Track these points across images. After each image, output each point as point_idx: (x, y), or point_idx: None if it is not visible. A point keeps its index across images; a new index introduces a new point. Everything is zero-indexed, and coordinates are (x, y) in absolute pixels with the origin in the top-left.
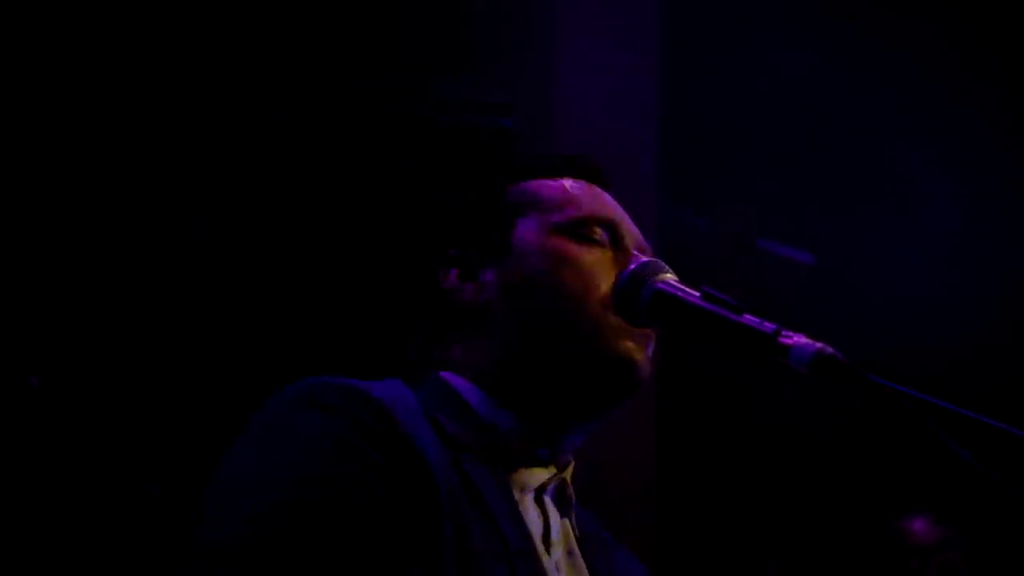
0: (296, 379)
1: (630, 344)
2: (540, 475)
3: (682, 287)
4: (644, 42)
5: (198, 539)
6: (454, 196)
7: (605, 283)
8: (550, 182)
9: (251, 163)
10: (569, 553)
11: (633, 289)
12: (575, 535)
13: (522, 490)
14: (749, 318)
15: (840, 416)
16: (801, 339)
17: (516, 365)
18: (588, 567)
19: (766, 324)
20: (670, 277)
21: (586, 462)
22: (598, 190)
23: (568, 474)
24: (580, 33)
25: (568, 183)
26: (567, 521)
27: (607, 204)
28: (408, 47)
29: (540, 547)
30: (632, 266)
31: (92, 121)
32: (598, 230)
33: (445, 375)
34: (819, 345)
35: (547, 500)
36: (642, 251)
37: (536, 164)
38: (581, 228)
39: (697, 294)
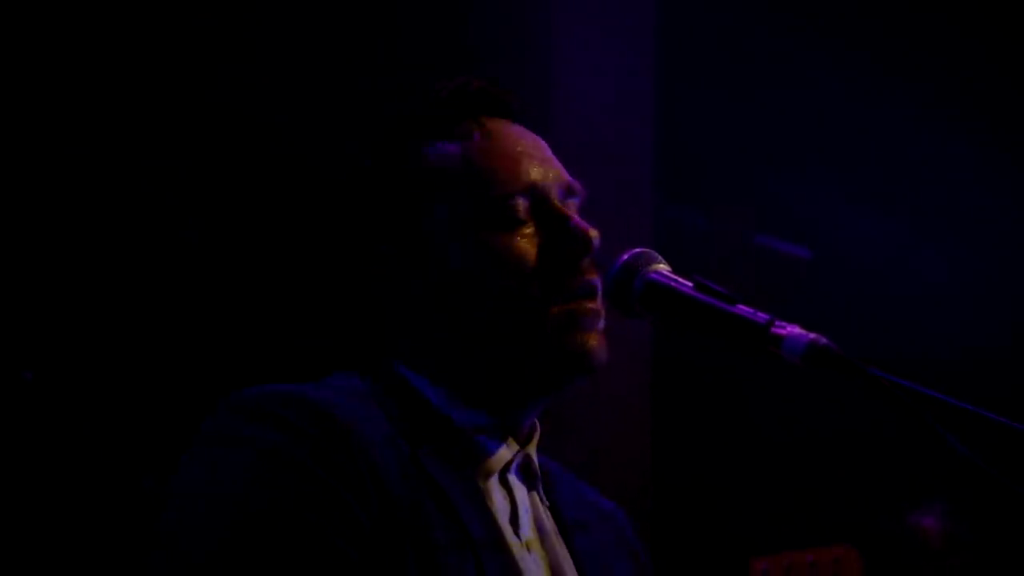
0: (248, 384)
1: (578, 335)
2: (503, 455)
3: (675, 277)
4: (641, 42)
5: (153, 568)
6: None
7: (537, 268)
8: (455, 145)
9: (246, 163)
10: (539, 529)
11: (626, 279)
12: (544, 506)
13: (487, 475)
14: (742, 308)
15: (841, 409)
16: (795, 330)
17: (458, 364)
18: (575, 553)
19: (759, 315)
20: (663, 267)
21: (582, 460)
22: (510, 135)
23: (532, 446)
24: (578, 34)
25: (473, 139)
26: (535, 495)
27: (521, 160)
28: (405, 48)
29: (508, 530)
30: (625, 257)
31: (89, 121)
32: (518, 204)
33: (398, 366)
34: (812, 336)
35: (512, 479)
36: (568, 193)
37: (425, 122)
38: (497, 212)
39: (690, 284)
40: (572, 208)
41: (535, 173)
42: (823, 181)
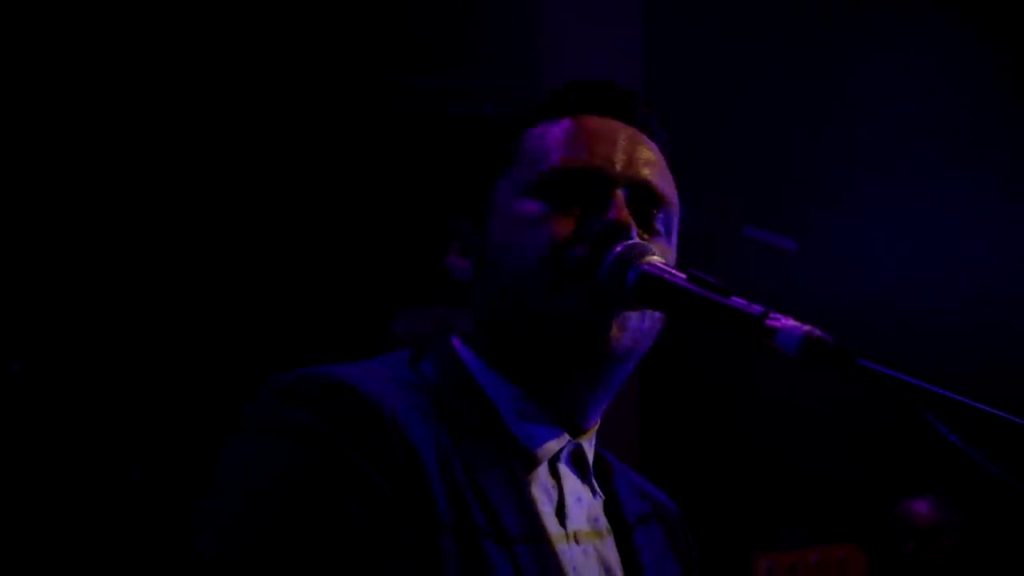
0: (282, 368)
1: (585, 321)
2: (550, 444)
3: (669, 269)
4: (629, 31)
5: (192, 546)
6: (449, 170)
7: (564, 246)
8: (544, 129)
9: (238, 152)
10: (591, 519)
11: (619, 271)
12: (599, 498)
13: (533, 464)
14: (737, 300)
15: (834, 397)
16: (789, 322)
17: (491, 337)
18: (633, 546)
19: (754, 306)
20: (656, 259)
21: None
22: (602, 126)
23: (586, 438)
24: (565, 23)
25: (563, 125)
26: (587, 487)
27: (595, 145)
28: (394, 44)
29: (552, 520)
30: (618, 248)
31: (77, 108)
32: (569, 182)
33: (454, 340)
34: (807, 328)
35: (562, 468)
36: (641, 195)
37: (541, 106)
38: (548, 185)
39: (683, 276)
40: (650, 212)
41: (602, 160)
42: (808, 169)
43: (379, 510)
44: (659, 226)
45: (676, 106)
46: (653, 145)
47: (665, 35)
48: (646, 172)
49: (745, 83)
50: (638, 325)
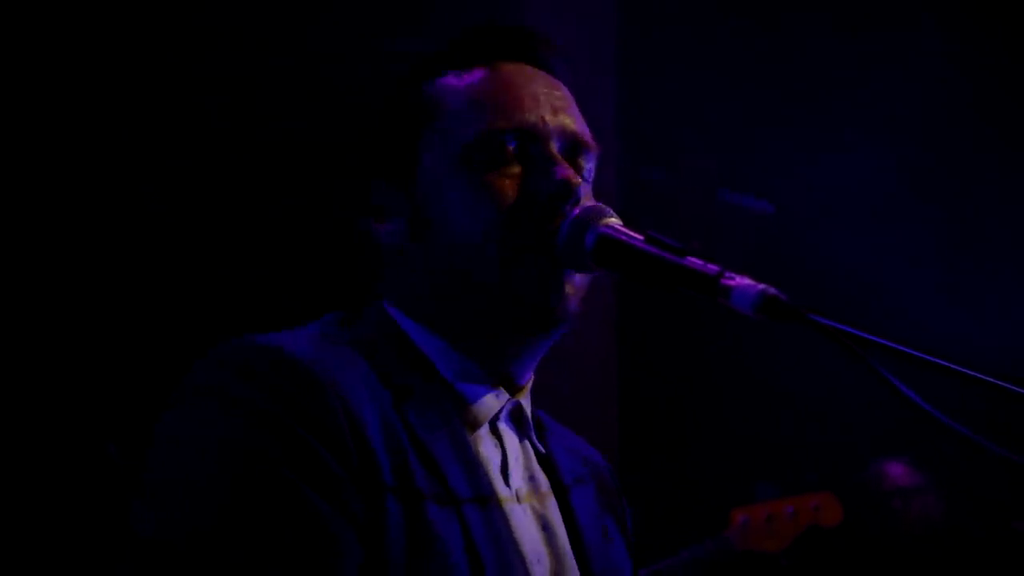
0: (229, 337)
1: (544, 289)
2: (492, 404)
3: (626, 231)
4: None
5: (140, 527)
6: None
7: (512, 209)
8: (459, 80)
9: (214, 132)
10: (531, 478)
11: (577, 234)
12: (539, 454)
13: (475, 424)
14: (692, 260)
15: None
16: (744, 280)
17: (435, 303)
18: (571, 506)
19: (709, 266)
20: (614, 221)
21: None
22: (520, 77)
23: (523, 394)
24: None
25: (481, 77)
26: (527, 443)
27: (522, 100)
28: (366, 14)
29: (498, 480)
30: (575, 212)
31: (57, 100)
32: (506, 142)
33: (388, 306)
34: (761, 286)
35: (503, 427)
36: (573, 146)
37: (447, 55)
38: (484, 148)
39: (641, 238)
40: (580, 163)
41: (533, 116)
42: (784, 131)
43: (327, 483)
44: (587, 174)
45: (652, 70)
46: (567, 89)
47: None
48: (571, 121)
49: (721, 46)
50: (582, 283)
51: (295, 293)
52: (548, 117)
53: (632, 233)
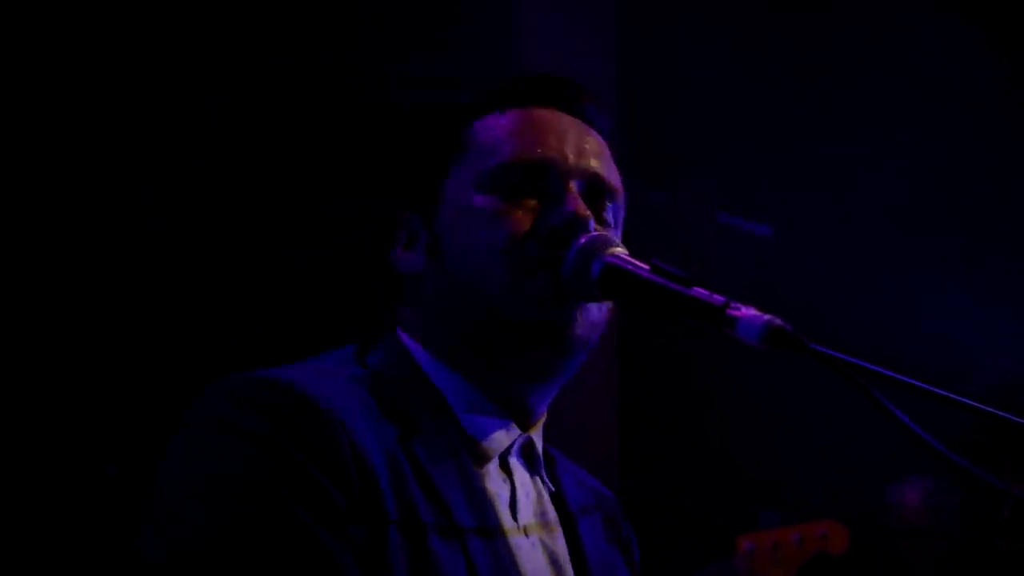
0: (230, 372)
1: (550, 310)
2: (502, 439)
3: (632, 260)
4: (603, 20)
5: (147, 554)
6: (401, 160)
7: (523, 240)
8: (492, 120)
9: (210, 142)
10: (541, 513)
11: (583, 263)
12: (548, 492)
13: (484, 458)
14: (698, 291)
15: (816, 389)
16: (750, 311)
17: (444, 330)
18: (579, 538)
19: (715, 296)
20: (620, 250)
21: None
22: (550, 119)
23: (535, 430)
24: (542, 15)
25: (512, 117)
26: (538, 480)
27: (545, 139)
28: (370, 30)
29: (505, 514)
30: (581, 240)
31: (56, 111)
32: (524, 175)
33: (401, 334)
34: (767, 317)
35: (513, 462)
36: (594, 188)
37: (485, 100)
38: (502, 179)
39: (647, 267)
40: (603, 204)
41: (555, 153)
42: (783, 156)
43: (330, 515)
44: (609, 218)
45: (651, 93)
46: (599, 137)
47: (639, 17)
48: (596, 164)
49: (719, 69)
50: (596, 316)
51: (303, 314)
52: (572, 157)
53: (638, 263)
